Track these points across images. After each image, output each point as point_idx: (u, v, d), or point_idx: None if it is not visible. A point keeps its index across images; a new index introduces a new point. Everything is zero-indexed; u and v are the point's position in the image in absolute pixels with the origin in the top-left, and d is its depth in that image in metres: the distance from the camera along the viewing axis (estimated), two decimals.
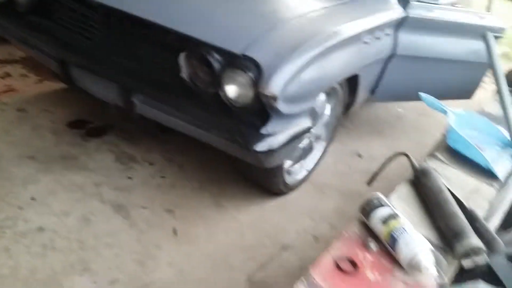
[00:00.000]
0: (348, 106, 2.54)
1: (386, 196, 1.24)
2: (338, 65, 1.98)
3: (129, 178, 2.23)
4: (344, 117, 2.64)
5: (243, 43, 1.63)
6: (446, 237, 1.15)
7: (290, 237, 2.08)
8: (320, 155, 2.52)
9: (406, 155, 1.37)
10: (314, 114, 2.12)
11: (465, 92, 3.16)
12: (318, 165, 2.53)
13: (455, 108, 1.67)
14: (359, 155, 2.94)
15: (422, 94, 1.65)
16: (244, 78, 1.62)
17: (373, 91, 2.71)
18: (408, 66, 2.67)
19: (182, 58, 1.73)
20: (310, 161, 2.46)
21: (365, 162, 2.86)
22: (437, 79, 2.92)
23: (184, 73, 1.74)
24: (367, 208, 1.18)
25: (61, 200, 2.01)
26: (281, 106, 1.62)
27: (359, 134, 3.21)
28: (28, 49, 2.20)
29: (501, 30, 2.99)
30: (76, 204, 2.00)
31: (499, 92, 1.48)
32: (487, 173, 1.39)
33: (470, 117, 1.61)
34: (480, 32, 2.92)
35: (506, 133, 1.50)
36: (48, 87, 2.90)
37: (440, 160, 1.42)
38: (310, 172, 2.47)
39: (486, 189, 1.33)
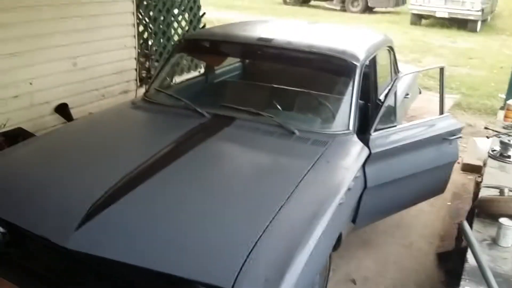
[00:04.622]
0: (335, 247, 2.54)
1: None
2: (325, 244, 1.99)
3: None
4: None
5: (230, 275, 1.59)
6: None
7: None
8: None
9: None
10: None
11: (438, 190, 3.25)
12: None
13: None
14: (353, 281, 2.92)
15: None
16: None
17: (354, 221, 2.75)
18: (380, 192, 2.72)
19: None
20: None
21: None
22: (408, 192, 2.99)
23: None
24: None
25: None
26: None
27: (347, 251, 3.20)
28: None
29: (458, 131, 3.07)
30: None
31: None
32: None
33: None
34: (439, 139, 3.01)
35: None
36: None
37: None
38: None
39: None
